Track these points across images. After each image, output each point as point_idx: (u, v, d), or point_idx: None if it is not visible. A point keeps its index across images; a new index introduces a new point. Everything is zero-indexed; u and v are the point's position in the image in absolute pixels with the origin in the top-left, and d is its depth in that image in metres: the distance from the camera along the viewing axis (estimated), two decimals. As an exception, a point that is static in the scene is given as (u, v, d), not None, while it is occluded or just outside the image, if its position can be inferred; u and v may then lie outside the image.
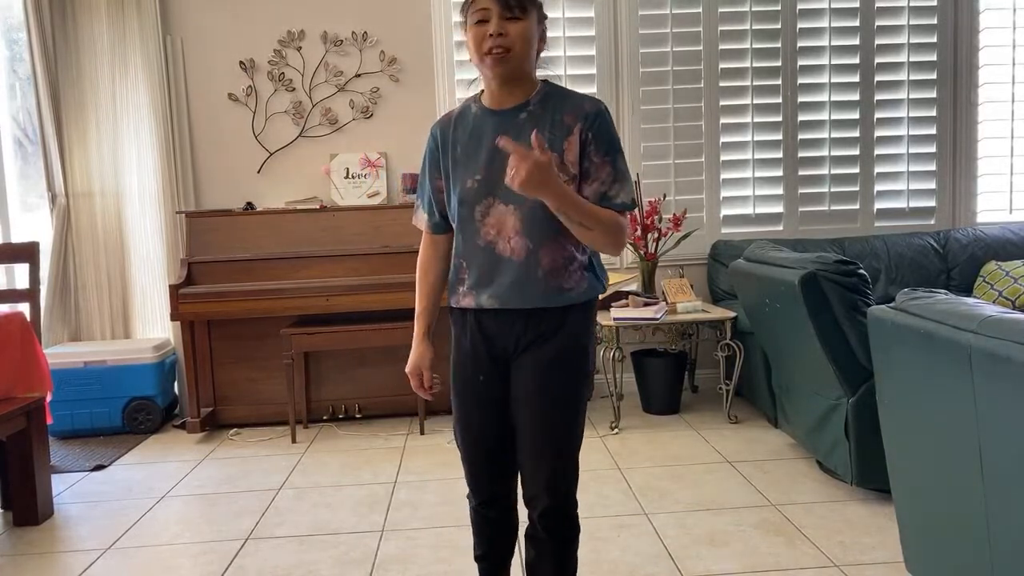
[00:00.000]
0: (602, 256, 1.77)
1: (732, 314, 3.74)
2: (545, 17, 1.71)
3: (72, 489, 3.23)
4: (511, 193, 1.58)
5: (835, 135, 4.43)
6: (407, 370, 1.89)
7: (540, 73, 1.77)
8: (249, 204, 4.16)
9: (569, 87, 1.86)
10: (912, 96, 4.44)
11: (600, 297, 1.86)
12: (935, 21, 4.40)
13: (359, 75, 4.27)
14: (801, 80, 4.38)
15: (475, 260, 1.70)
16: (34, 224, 4.26)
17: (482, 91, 1.76)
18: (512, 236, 1.66)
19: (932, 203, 4.50)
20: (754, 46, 4.35)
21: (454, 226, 1.74)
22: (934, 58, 4.42)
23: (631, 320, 3.65)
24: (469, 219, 1.69)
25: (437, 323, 1.87)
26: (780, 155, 4.41)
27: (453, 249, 1.76)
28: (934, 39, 4.41)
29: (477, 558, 1.89)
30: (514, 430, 1.75)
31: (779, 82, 4.37)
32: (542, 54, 1.75)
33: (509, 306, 1.68)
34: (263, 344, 3.99)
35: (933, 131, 4.46)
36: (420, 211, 1.83)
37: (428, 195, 1.79)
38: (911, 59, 4.41)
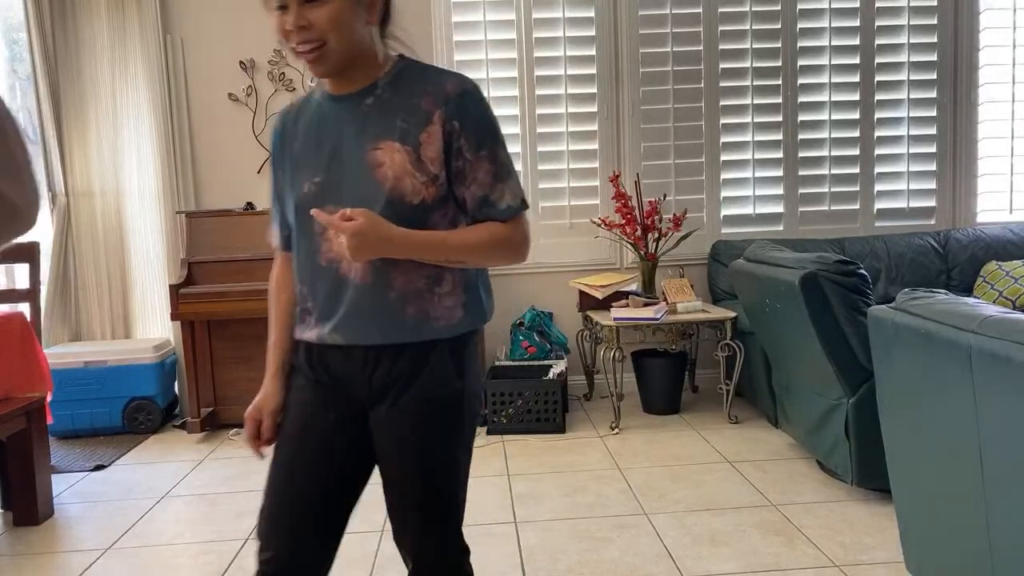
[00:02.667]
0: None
1: (732, 314, 3.74)
2: None
3: (72, 489, 3.23)
4: (354, 196, 1.29)
5: (835, 135, 4.43)
6: (246, 413, 1.44)
7: (403, 50, 1.40)
8: (249, 204, 4.16)
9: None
10: (912, 96, 4.44)
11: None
12: (935, 21, 4.40)
13: (359, 75, 4.26)
14: (801, 80, 4.38)
15: (318, 284, 1.35)
16: (34, 224, 4.25)
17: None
18: None
19: (932, 203, 4.50)
20: (754, 46, 4.35)
21: (293, 241, 1.40)
22: (934, 58, 4.42)
23: (631, 320, 3.64)
24: (308, 232, 1.34)
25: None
26: (780, 155, 4.41)
27: (294, 271, 1.42)
28: (934, 39, 4.41)
29: None
30: (345, 492, 1.42)
31: (779, 82, 4.37)
32: (389, 24, 1.37)
33: (354, 342, 1.32)
34: (263, 344, 3.99)
35: (933, 131, 4.46)
36: (272, 224, 1.49)
37: (275, 203, 1.47)
38: (911, 59, 4.41)
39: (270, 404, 1.44)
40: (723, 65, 4.34)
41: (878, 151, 4.45)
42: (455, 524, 1.40)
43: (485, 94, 1.76)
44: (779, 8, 4.33)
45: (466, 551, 1.43)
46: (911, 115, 4.44)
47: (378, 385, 1.34)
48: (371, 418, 1.38)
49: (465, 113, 1.30)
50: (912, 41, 4.41)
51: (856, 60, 4.39)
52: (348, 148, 1.32)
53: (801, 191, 4.44)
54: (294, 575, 1.36)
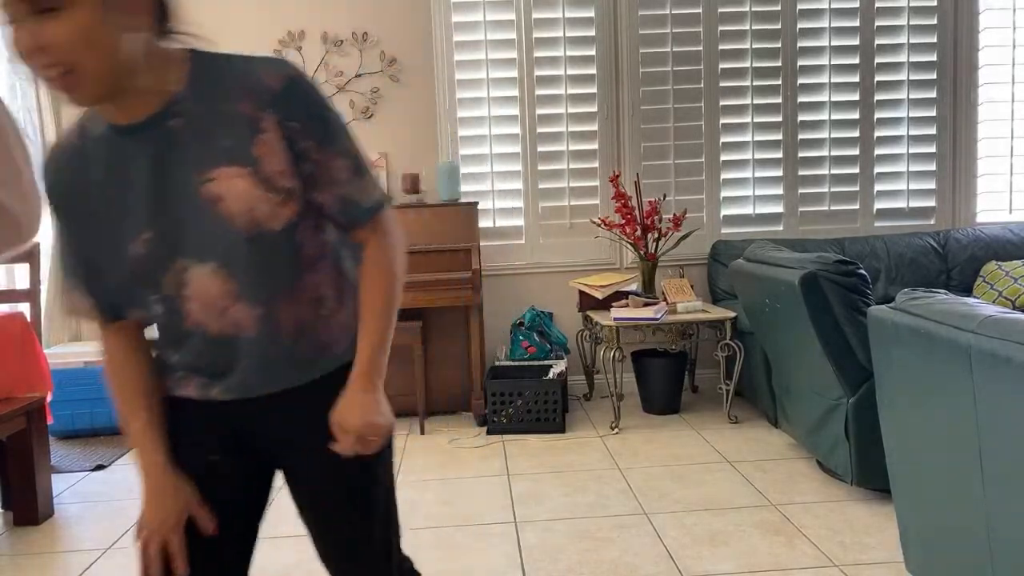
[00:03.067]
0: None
1: (732, 314, 3.74)
2: None
3: (72, 489, 3.23)
4: (204, 244, 1.07)
5: (835, 135, 4.43)
6: (137, 529, 1.18)
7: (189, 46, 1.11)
8: (249, 204, 4.16)
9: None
10: (912, 96, 4.44)
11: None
12: (935, 21, 4.40)
13: (359, 75, 4.27)
14: (801, 80, 4.38)
15: (195, 348, 1.15)
16: (34, 224, 4.25)
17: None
18: (228, 306, 1.11)
19: (932, 203, 4.50)
20: (754, 46, 4.35)
21: (131, 313, 1.17)
22: (934, 58, 4.42)
23: (631, 320, 3.65)
24: (156, 299, 1.12)
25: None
26: (780, 155, 4.41)
27: (153, 339, 1.23)
28: (934, 39, 4.41)
29: None
30: (241, 544, 1.25)
31: (779, 82, 4.37)
32: (170, 20, 1.09)
33: (253, 395, 1.18)
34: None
35: (933, 131, 4.46)
36: (75, 293, 1.17)
37: (78, 268, 1.15)
38: (911, 59, 4.41)
39: (174, 511, 1.16)
40: (723, 65, 4.34)
41: (878, 151, 4.45)
42: (396, 556, 1.31)
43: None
44: (779, 8, 4.33)
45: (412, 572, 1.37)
46: (911, 115, 4.45)
47: (286, 434, 1.21)
48: (286, 470, 1.26)
49: (301, 107, 1.07)
50: (912, 41, 4.41)
51: (856, 60, 4.39)
52: (172, 188, 1.05)
53: (801, 191, 4.44)
54: None
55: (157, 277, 1.10)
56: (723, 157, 4.39)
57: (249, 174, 1.06)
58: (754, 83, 4.37)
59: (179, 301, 1.11)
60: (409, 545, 2.56)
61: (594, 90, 4.29)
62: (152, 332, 1.23)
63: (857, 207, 4.47)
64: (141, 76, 1.02)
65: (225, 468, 1.22)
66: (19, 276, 4.09)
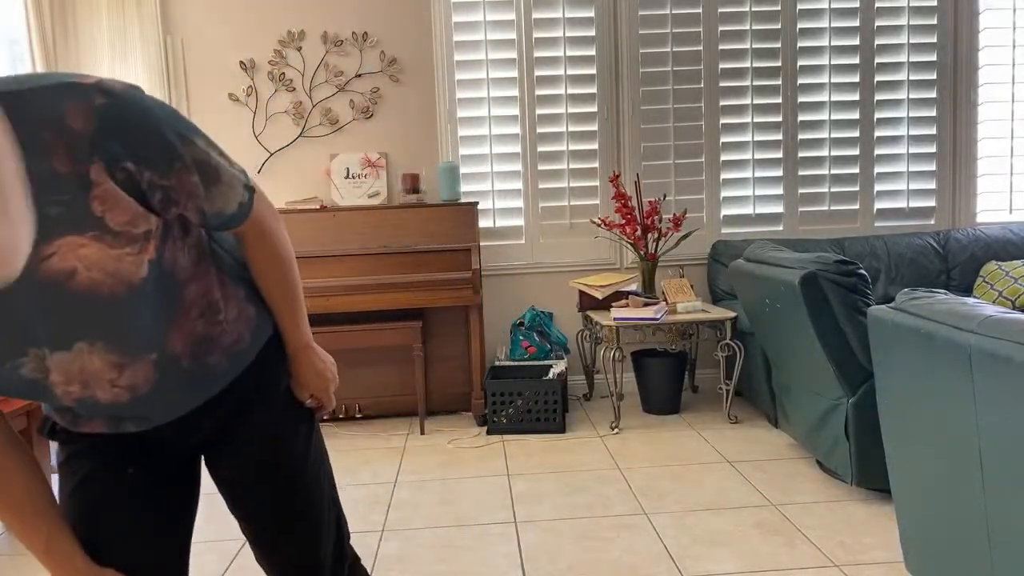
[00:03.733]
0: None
1: (732, 314, 3.74)
2: None
3: (72, 489, 3.23)
4: (66, 327, 0.94)
5: (835, 135, 4.43)
6: None
7: None
8: (249, 204, 4.16)
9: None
10: (912, 96, 4.44)
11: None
12: (935, 21, 4.40)
13: (359, 75, 4.27)
14: (801, 80, 4.38)
15: (91, 409, 1.07)
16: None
17: None
18: (116, 377, 1.02)
19: (932, 203, 4.50)
20: (754, 46, 4.35)
21: None
22: (934, 58, 4.42)
23: (631, 320, 3.65)
24: (27, 392, 1.00)
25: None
26: (780, 155, 4.41)
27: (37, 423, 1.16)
28: (934, 39, 4.41)
29: None
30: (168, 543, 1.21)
31: (779, 82, 4.37)
32: None
33: (169, 420, 1.14)
34: (263, 344, 4.00)
35: (933, 131, 4.46)
36: None
37: None
38: (911, 59, 4.41)
39: None
40: (723, 65, 4.34)
41: (878, 151, 4.45)
42: (341, 535, 1.33)
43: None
44: (779, 8, 4.33)
45: (356, 560, 1.38)
46: (911, 115, 4.45)
47: (207, 439, 1.22)
48: (213, 469, 1.26)
49: (125, 142, 0.89)
50: (912, 41, 4.41)
51: (856, 60, 4.39)
52: (10, 276, 0.88)
53: (801, 191, 4.44)
54: None
55: (12, 375, 0.96)
56: (723, 157, 4.39)
57: (95, 236, 0.90)
58: (754, 83, 4.37)
59: (52, 387, 0.99)
60: (409, 545, 2.56)
61: (594, 90, 4.29)
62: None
63: (857, 207, 4.47)
64: None
65: (145, 478, 1.18)
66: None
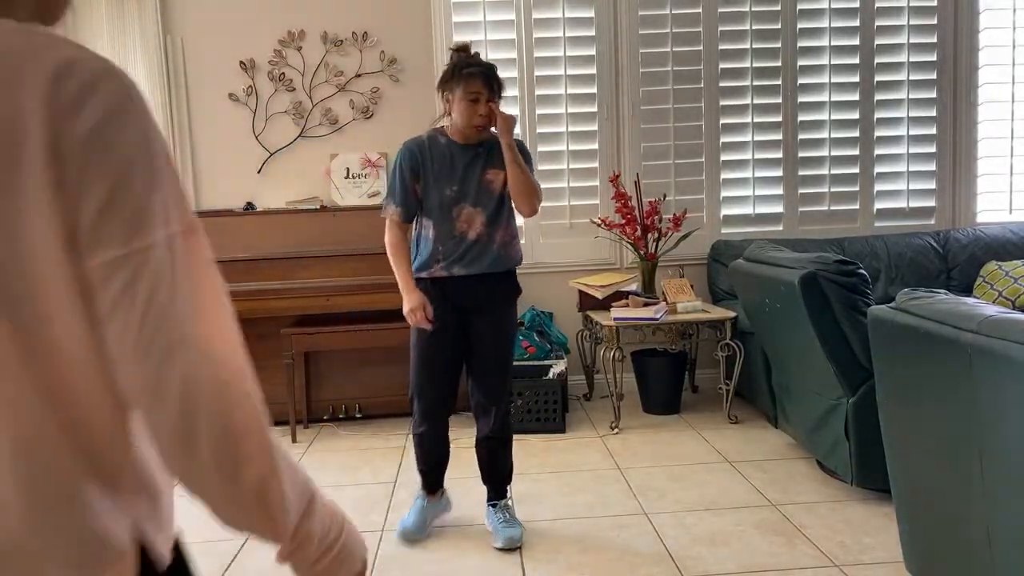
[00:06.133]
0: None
1: (732, 314, 3.74)
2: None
3: (72, 489, 3.23)
4: (479, 198, 2.44)
5: (835, 135, 4.43)
6: (409, 309, 2.41)
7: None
8: (249, 204, 4.16)
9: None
10: (912, 96, 4.44)
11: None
12: (935, 21, 4.40)
13: (359, 75, 4.27)
14: (801, 80, 4.38)
15: (449, 244, 2.43)
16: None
17: (444, 127, 2.49)
18: (480, 228, 2.45)
19: (932, 203, 4.50)
20: (754, 46, 4.35)
21: (429, 219, 2.45)
22: (934, 58, 4.42)
23: (631, 320, 3.65)
24: (446, 217, 2.42)
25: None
26: (780, 155, 4.41)
27: (428, 236, 2.46)
28: (934, 39, 4.41)
29: (421, 471, 2.61)
30: (461, 363, 2.54)
31: (779, 82, 4.37)
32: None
33: (473, 271, 2.44)
34: (263, 344, 3.99)
35: (933, 131, 4.46)
36: (391, 207, 2.47)
37: (404, 194, 2.45)
38: (911, 59, 4.42)
39: (423, 299, 2.43)
40: (723, 65, 4.34)
41: (878, 151, 4.45)
42: (510, 383, 2.65)
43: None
44: (779, 8, 4.33)
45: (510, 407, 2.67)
46: (911, 115, 4.45)
47: (476, 298, 2.47)
48: (474, 319, 2.49)
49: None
50: (912, 41, 4.41)
51: (856, 60, 4.39)
52: (471, 172, 2.55)
53: (801, 191, 4.44)
54: (439, 419, 2.56)
55: (451, 207, 2.43)
56: (723, 157, 4.39)
57: (500, 174, 2.50)
58: (754, 83, 4.37)
59: (456, 220, 2.43)
60: (409, 545, 2.56)
61: (594, 90, 4.29)
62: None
63: (857, 207, 4.47)
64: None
65: (451, 317, 2.48)
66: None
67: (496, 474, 2.64)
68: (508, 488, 2.69)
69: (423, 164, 2.42)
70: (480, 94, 2.36)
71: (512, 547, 2.48)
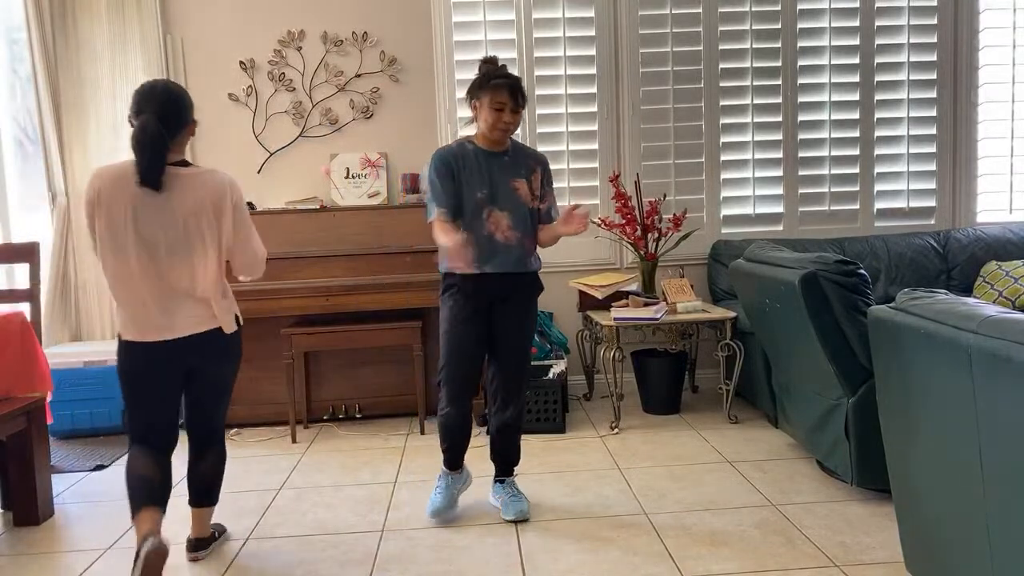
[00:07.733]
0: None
1: (732, 314, 3.74)
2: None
3: (72, 489, 3.23)
4: (506, 202, 2.65)
5: (835, 135, 4.43)
6: (452, 243, 2.54)
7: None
8: (249, 204, 4.16)
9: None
10: (912, 96, 4.44)
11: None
12: (935, 21, 4.40)
13: (359, 75, 4.27)
14: (801, 80, 4.38)
15: (480, 244, 2.63)
16: (34, 224, 4.25)
17: (473, 136, 2.70)
18: (506, 231, 2.65)
19: (932, 203, 4.50)
20: (754, 46, 4.35)
21: (460, 221, 2.62)
22: (934, 58, 4.42)
23: (631, 320, 3.64)
24: (477, 218, 2.63)
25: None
26: (780, 155, 4.41)
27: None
28: (934, 39, 4.41)
29: (445, 449, 2.81)
30: (485, 353, 2.74)
31: (779, 82, 4.37)
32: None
33: (500, 270, 2.65)
34: (263, 344, 3.99)
35: (933, 131, 4.46)
36: (436, 209, 2.62)
37: (446, 195, 2.63)
38: (911, 59, 4.42)
39: (461, 236, 2.59)
40: (723, 65, 4.34)
41: (878, 151, 4.45)
42: (528, 374, 2.85)
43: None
44: (779, 8, 4.33)
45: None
46: (911, 115, 4.45)
47: (508, 291, 2.69)
48: (498, 312, 2.69)
49: (544, 170, 2.91)
50: (912, 41, 4.41)
51: (856, 60, 4.39)
52: (499, 175, 2.73)
53: (801, 191, 4.44)
54: (464, 402, 2.75)
55: (481, 209, 2.62)
56: (723, 157, 4.39)
57: (525, 183, 2.70)
58: (754, 83, 4.37)
59: (485, 222, 2.63)
60: (409, 545, 2.57)
61: (594, 90, 4.29)
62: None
63: (857, 207, 4.47)
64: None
65: (482, 307, 2.69)
66: (19, 276, 4.09)
67: (508, 456, 2.84)
68: (515, 469, 2.91)
69: (456, 169, 2.62)
70: (505, 104, 2.55)
71: (521, 519, 2.70)
